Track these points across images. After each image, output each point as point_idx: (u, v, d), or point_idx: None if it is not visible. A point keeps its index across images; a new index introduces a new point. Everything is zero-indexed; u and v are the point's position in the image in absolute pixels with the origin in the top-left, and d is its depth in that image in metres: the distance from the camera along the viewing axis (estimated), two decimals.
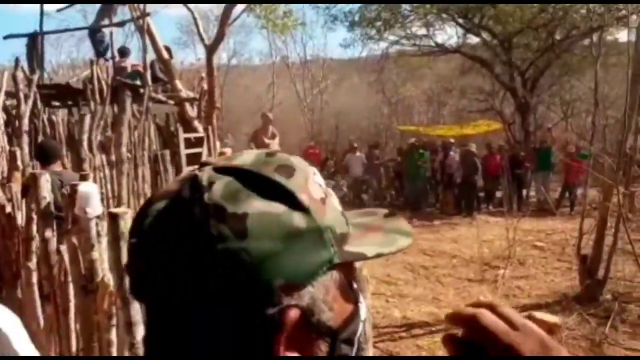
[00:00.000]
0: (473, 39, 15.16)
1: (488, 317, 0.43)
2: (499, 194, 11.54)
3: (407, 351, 4.41)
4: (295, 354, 0.41)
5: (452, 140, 13.03)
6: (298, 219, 0.42)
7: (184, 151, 6.80)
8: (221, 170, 0.43)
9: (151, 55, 7.66)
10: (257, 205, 0.41)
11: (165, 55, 6.83)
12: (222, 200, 0.40)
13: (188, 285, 0.40)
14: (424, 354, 4.37)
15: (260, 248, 0.39)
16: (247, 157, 0.45)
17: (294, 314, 0.41)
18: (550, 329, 1.93)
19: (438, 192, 12.38)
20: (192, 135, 6.91)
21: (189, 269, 0.40)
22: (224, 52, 21.79)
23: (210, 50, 6.62)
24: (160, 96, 6.77)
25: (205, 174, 0.42)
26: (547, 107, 16.78)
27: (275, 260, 0.40)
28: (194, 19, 7.00)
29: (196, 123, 7.00)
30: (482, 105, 16.09)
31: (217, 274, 0.39)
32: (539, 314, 2.03)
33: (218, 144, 7.68)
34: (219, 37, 6.56)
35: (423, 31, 14.82)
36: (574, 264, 6.08)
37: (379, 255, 0.47)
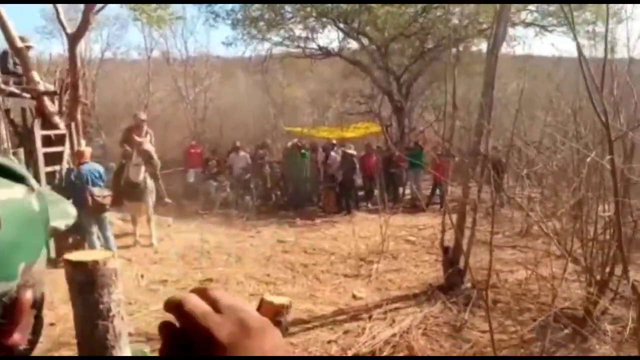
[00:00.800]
0: (353, 44, 15.73)
1: (191, 301, 0.41)
2: (378, 192, 12.13)
3: None
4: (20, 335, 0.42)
5: (334, 142, 13.42)
6: (34, 202, 0.43)
7: (41, 149, 6.16)
8: None
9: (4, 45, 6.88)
10: (2, 192, 0.41)
11: (19, 43, 6.13)
12: None
13: None
14: (297, 352, 4.39)
15: (10, 235, 0.39)
16: None
17: (29, 294, 0.42)
18: (278, 310, 2.02)
19: (320, 192, 12.66)
20: (51, 133, 6.29)
21: None
22: (97, 43, 20.33)
23: (73, 39, 6.07)
24: (13, 88, 6.07)
25: None
26: (421, 110, 17.99)
27: (21, 245, 0.40)
28: (55, 5, 6.33)
29: (57, 119, 6.37)
30: (362, 108, 16.78)
31: None
32: (268, 296, 2.09)
33: (83, 142, 7.09)
34: (83, 26, 6.02)
35: (305, 33, 15.05)
36: (440, 257, 6.54)
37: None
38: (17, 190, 0.42)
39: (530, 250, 6.84)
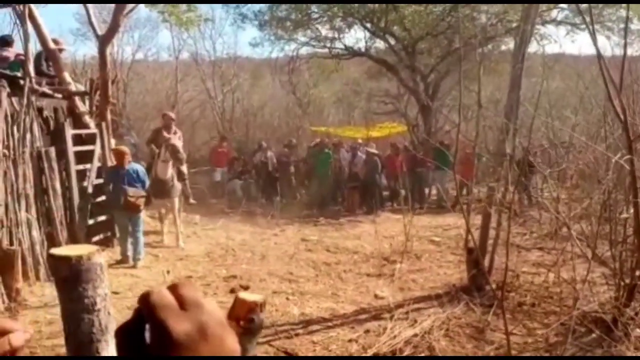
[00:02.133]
0: (380, 43, 15.67)
1: (156, 295, 0.41)
2: (404, 192, 12.06)
3: (302, 348, 4.43)
4: None
5: (360, 141, 13.41)
6: None
7: (72, 148, 6.34)
8: None
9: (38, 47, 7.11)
10: None
11: (52, 45, 6.33)
12: None
13: None
14: (318, 349, 4.42)
15: None
16: None
17: None
18: (251, 307, 2.06)
19: (344, 191, 12.66)
20: (82, 132, 6.46)
21: None
22: (128, 45, 20.80)
23: (104, 41, 6.24)
24: (45, 89, 6.27)
25: None
26: (448, 110, 17.77)
27: None
28: (85, 7, 6.52)
29: (87, 118, 6.56)
30: (388, 107, 16.70)
31: None
32: (242, 294, 2.13)
33: (113, 141, 7.28)
34: (113, 28, 6.18)
35: (332, 34, 15.06)
36: (465, 257, 6.47)
37: None
38: None
39: (557, 253, 6.69)
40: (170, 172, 7.36)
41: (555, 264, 4.81)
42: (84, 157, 6.77)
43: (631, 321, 4.46)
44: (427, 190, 12.80)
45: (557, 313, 4.92)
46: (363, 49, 15.57)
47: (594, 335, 4.30)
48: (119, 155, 6.60)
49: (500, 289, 5.34)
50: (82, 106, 6.63)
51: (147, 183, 6.87)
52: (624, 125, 3.20)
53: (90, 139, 6.64)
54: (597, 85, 8.46)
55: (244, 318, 1.97)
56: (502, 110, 7.23)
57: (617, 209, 4.99)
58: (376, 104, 17.67)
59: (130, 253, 6.75)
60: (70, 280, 1.53)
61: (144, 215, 8.56)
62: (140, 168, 6.88)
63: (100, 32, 6.37)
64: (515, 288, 5.76)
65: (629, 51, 5.84)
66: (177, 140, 7.29)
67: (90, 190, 6.86)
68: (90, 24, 6.66)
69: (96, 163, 6.96)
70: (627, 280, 4.49)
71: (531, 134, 5.68)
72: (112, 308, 1.96)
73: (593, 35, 3.27)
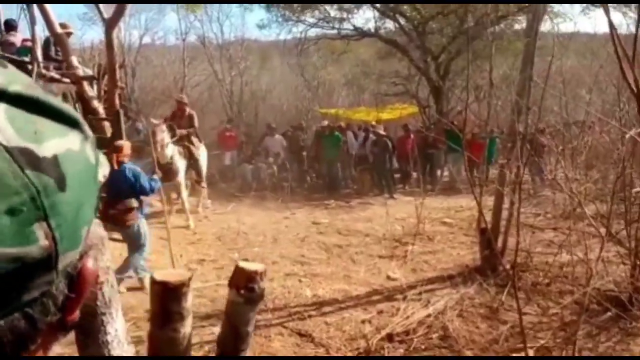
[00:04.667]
0: (390, 24, 15.44)
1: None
2: (416, 174, 12.00)
3: (316, 329, 4.44)
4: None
5: (373, 123, 13.31)
6: (90, 153, 0.37)
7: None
8: None
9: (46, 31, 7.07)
10: (59, 143, 0.33)
11: (59, 29, 6.29)
12: (23, 139, 0.31)
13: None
14: (331, 330, 4.42)
15: (75, 195, 0.34)
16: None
17: (91, 262, 0.38)
18: (251, 276, 2.04)
19: (354, 174, 12.61)
20: (103, 118, 6.40)
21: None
22: (135, 29, 20.69)
23: (110, 24, 6.20)
24: (53, 74, 6.25)
25: None
26: (460, 91, 17.54)
27: (83, 205, 0.35)
28: None
29: (96, 103, 6.55)
30: (399, 89, 16.52)
31: (45, 236, 0.32)
32: (242, 263, 2.11)
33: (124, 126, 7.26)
34: (119, 11, 6.13)
35: (340, 14, 14.86)
36: (477, 238, 6.41)
37: None
38: (73, 139, 0.35)
39: (572, 233, 6.62)
40: (170, 153, 7.42)
41: (575, 244, 4.73)
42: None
43: None
44: (439, 172, 12.71)
45: (571, 292, 4.87)
46: (373, 30, 15.37)
47: (609, 313, 4.25)
48: (115, 150, 5.15)
49: (513, 268, 5.32)
50: (91, 91, 6.61)
51: (149, 188, 5.26)
52: (637, 99, 3.11)
53: (100, 126, 6.62)
54: (612, 63, 8.26)
55: (244, 287, 1.97)
56: (515, 89, 7.12)
57: (632, 187, 4.89)
58: (386, 85, 17.49)
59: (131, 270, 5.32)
60: None
61: (152, 200, 8.62)
62: (136, 171, 5.22)
63: (106, 16, 6.31)
64: (529, 268, 5.72)
65: None
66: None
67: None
68: (96, 6, 6.61)
69: None
70: None
71: (541, 112, 5.56)
72: (115, 282, 1.96)
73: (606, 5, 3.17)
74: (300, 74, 17.83)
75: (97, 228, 1.73)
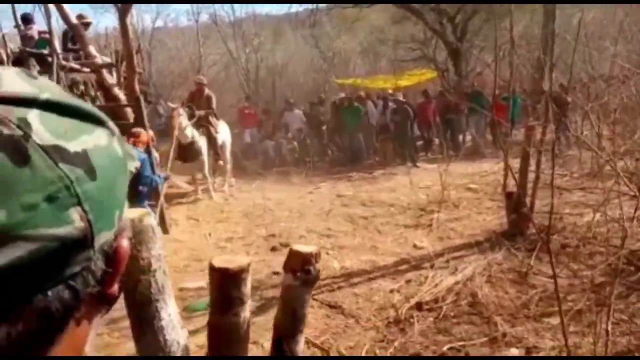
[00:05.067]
0: None
1: None
2: (438, 140, 11.87)
3: (345, 300, 4.52)
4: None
5: (390, 91, 13.14)
6: (117, 147, 0.42)
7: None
8: (17, 102, 0.37)
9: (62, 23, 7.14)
10: (87, 140, 0.39)
11: (74, 20, 6.33)
12: (55, 138, 0.36)
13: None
14: (360, 301, 4.49)
15: (105, 183, 0.39)
16: (30, 85, 0.38)
17: (125, 242, 0.43)
18: (306, 258, 2.04)
19: (376, 144, 12.52)
20: (124, 105, 6.45)
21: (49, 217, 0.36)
22: (147, 13, 20.61)
23: (123, 11, 6.20)
24: (73, 64, 6.31)
25: (9, 113, 0.36)
26: (479, 51, 17.10)
27: (114, 193, 0.41)
28: None
29: (117, 90, 6.61)
30: (416, 54, 16.19)
31: (80, 219, 0.37)
32: (297, 246, 2.11)
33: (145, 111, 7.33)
34: None
35: None
36: (504, 203, 6.36)
37: None
38: (99, 135, 0.40)
39: (600, 192, 6.50)
40: (190, 134, 7.54)
41: (605, 203, 4.65)
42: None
43: None
44: (461, 137, 12.53)
45: (602, 253, 4.82)
46: None
47: None
48: (132, 136, 5.28)
49: (543, 231, 5.27)
50: (110, 78, 6.68)
51: (149, 180, 5.40)
52: None
53: (122, 112, 6.70)
54: (637, 11, 7.94)
55: (301, 269, 1.99)
56: (537, 46, 6.91)
57: None
58: (403, 51, 17.14)
59: None
60: None
61: (178, 180, 8.76)
62: (144, 160, 5.28)
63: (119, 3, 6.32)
64: (558, 230, 5.65)
65: None
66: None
67: None
68: None
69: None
70: None
71: (572, 68, 5.39)
72: (167, 269, 2.01)
73: None
74: (314, 46, 17.62)
75: (147, 217, 1.80)
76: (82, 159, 0.38)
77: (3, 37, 6.11)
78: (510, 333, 3.69)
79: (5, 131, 0.34)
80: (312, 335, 3.93)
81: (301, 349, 2.09)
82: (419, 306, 4.25)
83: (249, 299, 2.01)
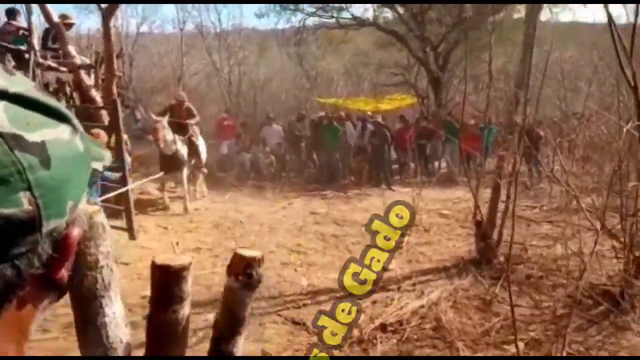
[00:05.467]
0: (388, 13, 15.36)
1: None
2: (413, 165, 12.00)
3: (310, 317, 4.48)
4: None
5: (369, 114, 13.29)
6: (78, 143, 0.44)
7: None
8: None
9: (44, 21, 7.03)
10: (48, 133, 0.41)
11: (55, 18, 6.25)
12: (16, 128, 0.38)
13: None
14: (326, 317, 4.45)
15: (60, 173, 0.41)
16: (3, 79, 0.41)
17: (76, 231, 0.45)
18: (249, 262, 2.07)
19: (352, 164, 12.60)
20: (90, 106, 6.40)
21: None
22: (133, 18, 20.53)
23: (107, 14, 6.16)
24: (50, 62, 6.22)
25: None
26: (459, 81, 17.49)
27: (69, 183, 0.42)
28: None
29: (94, 92, 6.52)
30: (397, 79, 16.47)
31: (28, 203, 0.39)
32: (240, 250, 2.13)
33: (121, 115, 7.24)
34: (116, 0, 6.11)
35: (339, 3, 14.77)
36: (474, 230, 6.44)
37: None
38: (62, 130, 0.43)
39: (567, 226, 6.66)
40: (174, 146, 7.49)
41: (569, 237, 4.76)
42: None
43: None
44: (436, 163, 12.72)
45: (564, 285, 4.91)
46: (371, 19, 15.28)
47: (601, 307, 4.30)
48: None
49: (507, 261, 5.36)
50: (88, 80, 6.58)
51: (105, 176, 5.96)
52: (634, 92, 3.12)
53: (98, 114, 6.60)
54: (611, 55, 8.25)
55: (243, 272, 1.99)
56: (513, 80, 7.11)
57: (628, 180, 4.91)
58: (385, 75, 17.43)
59: None
60: None
61: (149, 187, 8.64)
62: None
63: (102, 5, 6.28)
64: (523, 261, 5.76)
65: None
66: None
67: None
68: None
69: None
70: (637, 254, 4.46)
71: (539, 103, 5.55)
72: (114, 266, 2.00)
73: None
74: (298, 64, 17.76)
75: (99, 214, 1.78)
76: (39, 149, 0.39)
77: None
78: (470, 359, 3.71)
79: None
80: (275, 352, 3.89)
81: (239, 351, 2.08)
82: (383, 327, 4.24)
83: (189, 297, 2.01)
